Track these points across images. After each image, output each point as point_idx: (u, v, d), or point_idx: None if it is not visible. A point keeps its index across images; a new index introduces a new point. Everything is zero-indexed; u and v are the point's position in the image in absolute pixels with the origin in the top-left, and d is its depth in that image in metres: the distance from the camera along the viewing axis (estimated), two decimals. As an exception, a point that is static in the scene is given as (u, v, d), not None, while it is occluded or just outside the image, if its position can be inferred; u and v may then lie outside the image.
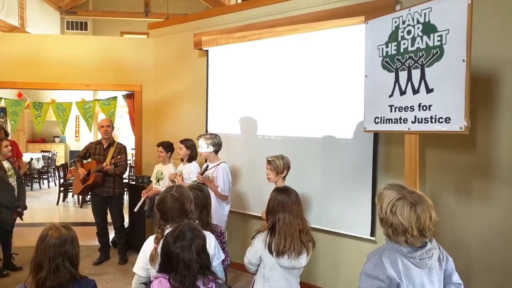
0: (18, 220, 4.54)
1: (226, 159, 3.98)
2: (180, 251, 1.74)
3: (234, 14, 4.61)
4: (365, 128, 2.96)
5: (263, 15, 4.26)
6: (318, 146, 3.83)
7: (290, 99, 4.02)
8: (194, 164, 4.21)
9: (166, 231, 2.08)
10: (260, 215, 4.22)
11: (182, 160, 4.30)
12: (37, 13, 10.89)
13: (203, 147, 3.80)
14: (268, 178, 3.23)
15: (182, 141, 4.23)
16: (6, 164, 4.35)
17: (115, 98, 5.85)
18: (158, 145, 4.59)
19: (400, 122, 2.63)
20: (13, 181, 4.37)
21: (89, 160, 4.86)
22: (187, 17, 5.38)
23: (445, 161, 3.11)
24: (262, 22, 4.17)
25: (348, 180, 3.62)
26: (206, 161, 3.95)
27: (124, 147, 4.85)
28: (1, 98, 5.81)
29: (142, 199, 4.58)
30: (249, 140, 4.40)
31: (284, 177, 3.21)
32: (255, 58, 4.31)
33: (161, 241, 2.09)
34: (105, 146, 4.76)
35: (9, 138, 4.95)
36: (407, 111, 2.58)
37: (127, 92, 5.72)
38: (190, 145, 4.21)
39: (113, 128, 4.86)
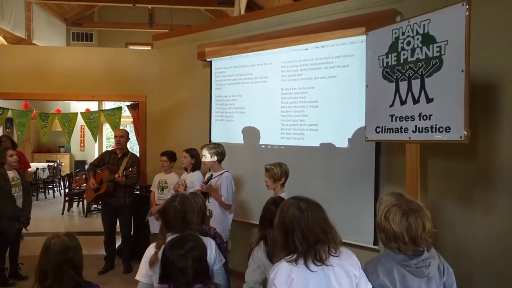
0: (23, 230, 4.60)
1: (229, 168, 4.02)
2: (175, 258, 1.77)
3: (238, 26, 4.68)
4: (367, 138, 3.00)
5: (266, 26, 4.32)
6: (320, 156, 3.86)
7: (293, 109, 4.06)
8: (198, 173, 4.25)
9: (168, 239, 2.12)
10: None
11: (186, 169, 4.34)
12: (43, 25, 11.06)
13: (207, 156, 3.84)
14: (266, 185, 3.27)
15: (186, 150, 4.28)
16: (11, 174, 4.40)
17: (120, 108, 5.93)
18: (162, 154, 4.65)
19: (401, 132, 2.67)
20: (18, 191, 4.43)
21: (103, 168, 4.92)
22: (191, 28, 5.47)
23: (446, 170, 3.12)
24: (265, 33, 4.24)
25: (350, 189, 3.64)
26: (209, 170, 3.98)
27: (138, 158, 4.93)
28: (8, 109, 5.89)
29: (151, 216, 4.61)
30: (251, 150, 4.44)
31: (282, 184, 3.24)
32: (258, 68, 4.36)
33: (163, 247, 2.13)
34: (119, 156, 4.83)
35: (17, 149, 5.00)
36: (407, 120, 2.62)
37: (132, 103, 5.78)
38: (194, 154, 4.25)
39: (127, 138, 4.93)
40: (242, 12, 7.37)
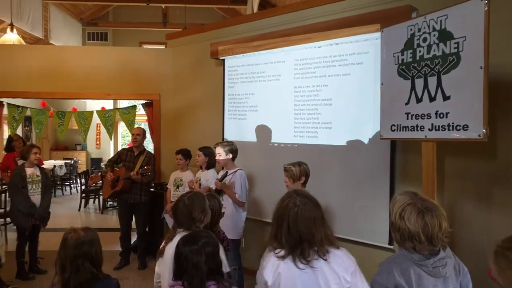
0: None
1: (242, 166, 4.01)
2: (189, 253, 1.80)
3: (250, 24, 4.67)
4: (382, 136, 2.96)
5: (279, 24, 4.30)
6: (334, 154, 3.83)
7: (306, 107, 4.04)
8: (212, 171, 4.27)
9: (178, 235, 2.16)
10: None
11: (200, 167, 4.36)
12: (60, 25, 11.22)
13: (222, 154, 3.84)
14: (286, 185, 3.24)
15: (200, 149, 4.30)
16: (31, 171, 4.49)
17: (134, 107, 5.98)
18: (177, 153, 4.68)
19: (417, 130, 2.63)
20: (36, 187, 4.51)
21: (120, 165, 4.98)
22: (204, 27, 5.47)
23: (464, 169, 3.07)
24: (278, 31, 4.22)
25: (365, 188, 3.61)
26: (222, 168, 3.99)
27: (154, 157, 4.98)
28: (27, 107, 6.00)
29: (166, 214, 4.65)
30: (264, 148, 4.43)
31: (303, 184, 3.21)
32: (271, 66, 4.35)
33: (171, 243, 2.16)
34: (135, 154, 4.89)
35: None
36: (423, 118, 2.58)
37: (146, 101, 5.83)
38: (208, 152, 4.27)
39: (144, 136, 4.98)
40: (255, 10, 7.35)
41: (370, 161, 3.58)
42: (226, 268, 2.25)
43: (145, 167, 4.72)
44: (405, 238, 1.66)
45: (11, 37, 7.11)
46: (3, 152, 5.72)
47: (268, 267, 1.73)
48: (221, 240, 2.61)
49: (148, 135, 5.78)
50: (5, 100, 5.80)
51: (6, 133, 9.52)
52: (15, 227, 4.69)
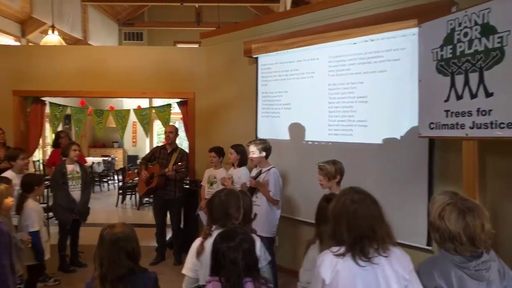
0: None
1: (275, 164, 4.01)
2: (226, 250, 1.81)
3: (284, 21, 4.66)
4: (420, 134, 2.89)
5: (313, 21, 4.27)
6: (370, 152, 3.77)
7: (341, 104, 3.99)
8: (244, 169, 4.30)
9: (214, 231, 2.17)
10: (309, 220, 4.22)
11: (232, 164, 4.41)
12: (98, 26, 11.60)
13: (255, 152, 3.86)
14: (320, 184, 3.21)
15: (233, 146, 4.34)
16: (71, 167, 4.68)
17: (169, 105, 6.10)
18: (210, 150, 4.74)
19: (457, 128, 2.54)
20: (76, 184, 4.69)
21: (153, 163, 5.11)
22: (238, 25, 5.50)
23: (508, 168, 2.94)
24: (312, 28, 4.18)
25: (402, 187, 3.53)
26: (255, 166, 4.01)
27: (186, 153, 5.09)
28: (67, 106, 6.23)
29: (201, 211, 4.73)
30: (298, 146, 4.42)
31: (338, 183, 3.17)
32: (305, 64, 4.32)
33: (209, 239, 2.17)
34: (168, 151, 5.00)
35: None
36: (464, 116, 2.49)
37: (181, 100, 5.93)
38: (240, 150, 4.31)
39: (176, 134, 5.09)
40: (288, 7, 7.33)
41: (407, 160, 3.50)
42: (267, 259, 2.28)
43: (179, 163, 4.82)
44: (445, 239, 1.62)
45: (53, 38, 7.40)
46: (51, 148, 5.95)
47: (325, 265, 1.69)
48: None
49: (182, 133, 5.89)
50: (47, 99, 6.04)
51: (48, 131, 9.95)
52: (57, 221, 4.90)
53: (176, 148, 5.05)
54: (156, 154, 5.09)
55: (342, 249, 1.69)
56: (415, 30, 3.07)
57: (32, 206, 3.58)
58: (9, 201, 2.92)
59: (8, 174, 3.93)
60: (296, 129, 4.43)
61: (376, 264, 1.65)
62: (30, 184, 3.65)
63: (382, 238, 1.69)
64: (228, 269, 1.78)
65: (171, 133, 5.01)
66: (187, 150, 6.02)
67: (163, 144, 5.22)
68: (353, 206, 1.71)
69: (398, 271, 1.67)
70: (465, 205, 1.61)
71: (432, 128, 2.75)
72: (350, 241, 1.68)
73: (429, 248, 3.34)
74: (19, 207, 3.55)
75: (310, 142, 4.31)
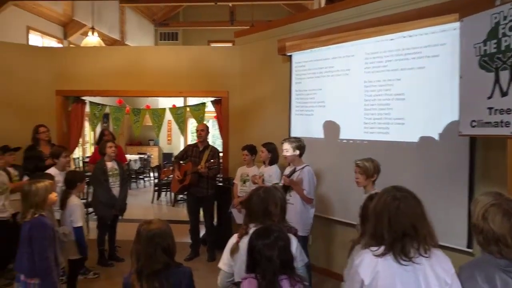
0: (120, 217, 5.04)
1: (309, 162, 3.98)
2: (262, 247, 1.82)
3: (318, 18, 4.61)
4: (460, 132, 2.79)
5: (348, 17, 4.20)
6: (407, 151, 3.68)
7: (377, 102, 3.91)
8: (275, 167, 4.31)
9: (251, 230, 2.16)
10: (343, 220, 4.17)
11: (263, 162, 4.42)
12: (135, 26, 11.91)
13: (289, 150, 3.84)
14: (357, 182, 3.16)
15: (264, 145, 4.36)
16: (110, 165, 4.82)
17: (204, 104, 6.17)
18: (243, 149, 4.77)
19: (501, 126, 2.43)
20: (115, 180, 4.84)
21: (186, 161, 5.21)
22: (271, 23, 5.50)
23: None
24: (347, 24, 4.12)
25: (441, 187, 3.42)
26: (289, 165, 3.99)
27: (217, 151, 5.16)
28: (106, 105, 6.43)
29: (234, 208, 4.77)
30: (332, 144, 4.37)
31: (374, 181, 3.12)
32: (340, 61, 4.26)
33: (244, 238, 2.18)
34: (200, 149, 5.08)
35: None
36: (509, 113, 2.38)
37: (215, 98, 5.99)
38: (271, 148, 4.32)
39: (208, 132, 5.18)
40: (322, 4, 7.24)
41: (446, 159, 3.39)
42: (303, 260, 2.24)
43: (211, 160, 4.89)
44: (489, 241, 1.56)
45: (92, 40, 7.67)
46: (94, 146, 6.15)
47: (365, 265, 1.66)
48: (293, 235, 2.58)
49: (216, 131, 5.95)
50: (87, 99, 6.25)
51: (87, 130, 10.32)
52: (95, 216, 5.07)
53: (207, 145, 5.13)
54: (188, 152, 5.18)
55: (382, 249, 1.65)
56: (456, 24, 2.97)
57: (76, 202, 3.72)
58: (53, 196, 3.04)
59: (52, 171, 4.11)
60: (331, 127, 4.38)
61: (418, 264, 1.61)
62: (73, 180, 3.79)
63: (424, 237, 1.64)
64: (263, 267, 1.79)
65: (203, 131, 5.10)
66: (220, 148, 6.09)
67: (196, 142, 5.30)
68: (395, 203, 1.67)
69: (439, 273, 1.62)
70: (511, 205, 1.55)
71: (473, 126, 2.65)
72: (391, 240, 1.64)
73: (470, 250, 3.22)
74: (63, 203, 3.70)
75: (344, 141, 4.26)
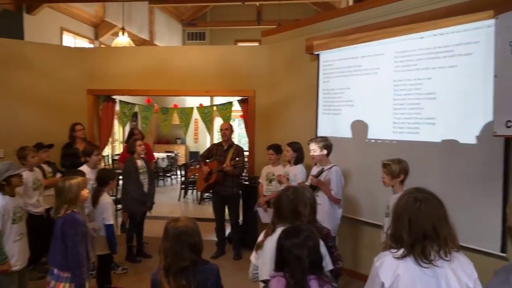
0: (148, 213, 5.13)
1: (336, 162, 3.94)
2: (291, 246, 1.82)
3: (346, 17, 4.56)
4: (495, 133, 2.71)
5: (377, 15, 4.14)
6: (438, 152, 3.60)
7: (406, 101, 3.84)
8: (300, 166, 4.29)
9: (278, 229, 2.16)
10: (371, 221, 4.11)
11: (289, 162, 4.41)
12: (163, 27, 12.11)
13: (316, 150, 3.81)
14: (383, 181, 3.14)
15: (289, 144, 4.35)
16: (140, 163, 4.92)
17: (231, 103, 6.21)
18: (268, 148, 4.78)
19: (539, 126, 2.35)
20: (144, 178, 4.93)
21: (211, 160, 5.27)
22: (299, 22, 5.47)
23: None
24: (376, 22, 4.06)
25: (473, 189, 3.32)
26: (315, 164, 3.97)
27: (242, 149, 5.19)
28: (135, 104, 6.57)
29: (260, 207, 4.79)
30: (360, 144, 4.31)
31: (401, 182, 3.08)
32: (368, 60, 4.20)
33: (270, 237, 2.18)
34: (225, 148, 5.13)
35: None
36: (547, 113, 2.30)
37: (242, 97, 6.02)
38: (297, 148, 4.30)
39: (232, 131, 5.23)
40: (350, 3, 7.16)
41: (479, 160, 3.29)
42: (329, 266, 2.19)
43: (236, 159, 4.92)
44: None
45: (123, 40, 7.83)
46: (124, 144, 6.29)
47: (385, 268, 1.64)
48: (325, 236, 2.55)
49: (242, 130, 5.98)
50: (117, 97, 6.40)
51: (116, 128, 10.56)
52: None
53: (232, 144, 5.18)
54: (213, 151, 5.23)
55: (402, 251, 1.63)
56: (491, 22, 2.89)
57: (108, 200, 3.83)
58: (85, 193, 3.13)
59: (84, 169, 4.24)
60: (359, 127, 4.33)
61: (438, 267, 1.58)
62: (104, 178, 3.90)
63: (444, 240, 1.61)
64: (292, 266, 1.79)
65: (227, 130, 5.15)
66: (245, 147, 6.12)
67: (220, 141, 5.35)
68: (416, 204, 1.64)
69: (461, 278, 1.58)
70: None
71: (509, 127, 2.57)
72: (411, 241, 1.61)
73: (504, 255, 3.12)
74: (95, 200, 3.80)
75: (373, 140, 4.20)
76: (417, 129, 3.75)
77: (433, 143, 3.63)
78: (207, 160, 5.30)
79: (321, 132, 4.70)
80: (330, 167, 3.78)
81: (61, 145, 5.22)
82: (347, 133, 4.45)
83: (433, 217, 1.62)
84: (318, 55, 4.79)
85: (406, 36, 3.79)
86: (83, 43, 9.54)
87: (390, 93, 3.98)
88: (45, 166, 4.68)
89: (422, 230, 1.61)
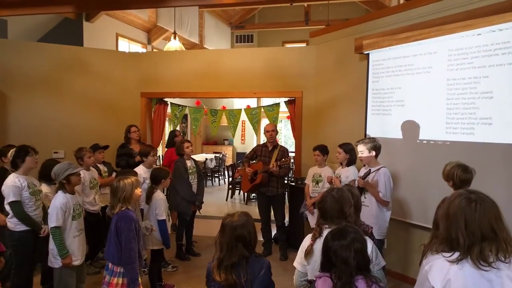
0: (197, 213, 5.27)
1: (385, 164, 3.85)
2: (338, 248, 1.82)
3: (397, 15, 4.45)
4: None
5: (430, 13, 4.01)
6: (495, 153, 3.42)
7: (461, 101, 3.68)
8: (353, 168, 4.22)
9: (325, 231, 2.15)
10: (422, 224, 3.98)
11: (340, 164, 4.35)
12: (213, 30, 12.37)
13: (364, 152, 3.75)
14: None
15: (341, 145, 4.29)
16: (189, 163, 5.06)
17: (278, 104, 6.24)
18: (315, 149, 4.75)
19: None
20: (193, 178, 5.07)
21: (255, 161, 5.32)
22: (348, 22, 5.40)
23: None
24: (429, 20, 3.93)
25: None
26: (364, 166, 3.90)
27: (287, 150, 5.20)
28: (186, 106, 6.76)
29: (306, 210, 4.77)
30: (411, 145, 4.18)
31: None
32: (420, 58, 4.07)
33: (318, 239, 2.18)
34: (269, 149, 5.16)
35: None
36: None
37: (289, 98, 6.02)
38: (349, 149, 4.24)
39: (277, 132, 5.27)
40: (401, 1, 6.96)
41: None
42: (380, 264, 2.20)
43: (282, 159, 4.93)
44: None
45: (174, 44, 8.08)
46: (165, 147, 6.50)
47: (435, 271, 1.59)
48: (369, 234, 2.52)
49: (289, 131, 5.99)
50: (169, 100, 6.63)
51: (167, 130, 10.91)
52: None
53: (276, 145, 5.20)
54: (258, 152, 5.27)
55: (457, 254, 1.57)
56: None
57: (161, 196, 3.98)
58: (138, 192, 3.27)
59: (140, 168, 4.44)
60: (410, 127, 4.20)
61: (496, 269, 1.51)
62: (158, 177, 4.05)
63: (503, 241, 1.54)
64: (339, 268, 1.78)
65: (273, 131, 5.18)
66: (292, 148, 6.12)
67: (264, 143, 5.39)
68: (472, 205, 1.58)
69: None
70: None
71: None
72: (468, 243, 1.55)
73: None
74: (149, 198, 3.97)
75: (425, 141, 4.05)
76: (472, 129, 3.58)
77: (489, 144, 3.46)
78: (253, 162, 5.35)
79: (370, 133, 4.61)
80: (378, 169, 3.70)
81: (116, 146, 5.49)
82: (397, 133, 4.33)
83: (491, 217, 1.56)
84: (367, 54, 4.71)
85: (461, 33, 3.64)
86: (137, 47, 9.96)
87: (443, 93, 3.83)
88: (101, 166, 4.94)
89: (480, 231, 1.55)
